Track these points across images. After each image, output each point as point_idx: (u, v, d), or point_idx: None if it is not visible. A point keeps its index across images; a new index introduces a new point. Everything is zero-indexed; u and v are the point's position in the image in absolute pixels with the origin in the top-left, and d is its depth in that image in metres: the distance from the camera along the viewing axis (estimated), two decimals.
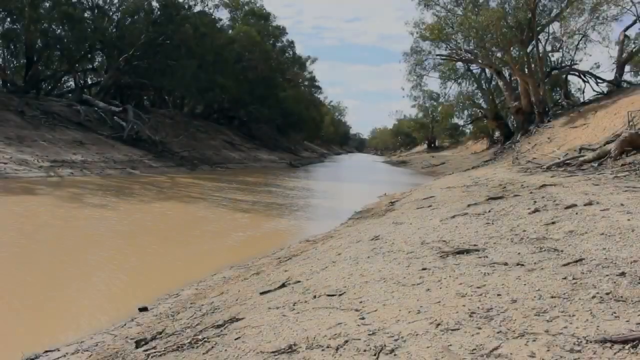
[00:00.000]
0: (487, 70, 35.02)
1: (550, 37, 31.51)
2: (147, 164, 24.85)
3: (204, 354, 3.77)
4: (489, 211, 7.61)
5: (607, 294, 3.30)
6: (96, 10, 31.92)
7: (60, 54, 31.00)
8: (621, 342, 2.56)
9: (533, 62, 27.77)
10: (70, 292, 6.36)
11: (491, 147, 42.30)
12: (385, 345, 3.03)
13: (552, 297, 3.40)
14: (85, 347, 4.54)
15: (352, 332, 3.37)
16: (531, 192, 9.08)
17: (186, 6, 35.55)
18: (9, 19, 28.89)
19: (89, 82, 38.57)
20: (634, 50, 31.31)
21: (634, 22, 29.05)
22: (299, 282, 5.43)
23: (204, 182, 22.12)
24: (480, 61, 30.48)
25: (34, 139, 21.20)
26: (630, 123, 14.65)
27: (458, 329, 3.09)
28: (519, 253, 4.75)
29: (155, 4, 33.45)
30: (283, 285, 5.44)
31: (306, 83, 67.79)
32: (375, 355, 2.95)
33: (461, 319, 3.25)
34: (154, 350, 4.04)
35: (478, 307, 3.41)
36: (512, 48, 27.35)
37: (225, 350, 3.71)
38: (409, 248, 5.86)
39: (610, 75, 30.11)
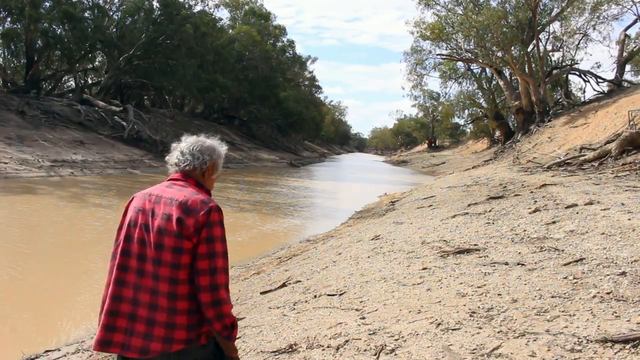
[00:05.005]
0: (487, 69, 35.01)
1: (551, 36, 31.53)
2: (147, 163, 24.85)
3: None
4: (490, 211, 7.60)
5: (608, 293, 3.29)
6: (97, 10, 31.91)
7: (60, 53, 31.01)
8: (622, 342, 2.56)
9: (534, 61, 27.74)
10: (71, 291, 6.36)
11: (492, 147, 42.30)
12: (385, 345, 3.03)
13: (552, 296, 3.40)
14: (86, 347, 4.54)
15: (352, 331, 3.37)
16: (532, 192, 9.08)
17: (186, 6, 35.56)
18: (9, 19, 28.91)
19: (90, 81, 38.60)
20: (634, 49, 31.29)
21: (635, 22, 29.02)
22: (299, 281, 5.43)
23: None
24: (480, 61, 30.45)
25: (34, 138, 21.22)
26: (631, 122, 14.61)
27: (459, 329, 3.09)
28: (519, 253, 4.75)
29: (155, 3, 33.49)
30: (283, 285, 5.44)
31: (306, 83, 67.81)
32: (375, 355, 2.95)
33: (462, 318, 3.25)
34: None
35: (479, 307, 3.41)
36: (512, 47, 27.32)
37: None
38: (409, 248, 5.86)
39: (610, 75, 30.10)
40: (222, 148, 2.05)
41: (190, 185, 1.92)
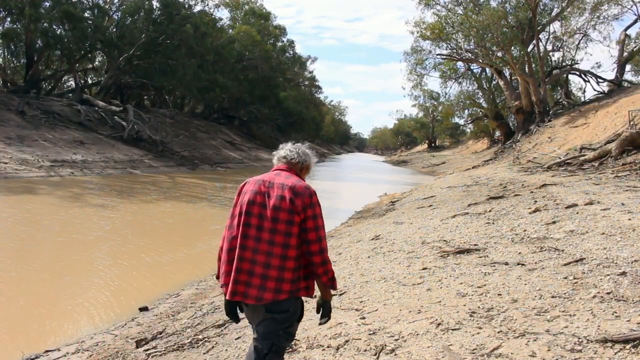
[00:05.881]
0: (487, 69, 34.98)
1: (551, 36, 31.50)
2: (147, 163, 24.85)
3: (204, 353, 3.77)
4: (490, 211, 7.60)
5: (608, 293, 3.29)
6: (97, 10, 31.88)
7: (60, 53, 30.99)
8: (622, 342, 2.56)
9: (534, 61, 27.73)
10: (71, 291, 6.36)
11: (492, 147, 42.29)
12: (385, 345, 3.03)
13: (552, 296, 3.40)
14: (86, 347, 4.54)
15: (352, 331, 3.37)
16: (532, 192, 9.08)
17: (186, 6, 35.52)
18: (9, 19, 28.88)
19: (90, 81, 38.57)
20: (634, 49, 31.28)
21: (635, 22, 29.01)
22: None
23: (205, 181, 22.12)
24: (480, 60, 30.43)
25: (34, 138, 21.21)
26: (631, 122, 14.61)
27: (459, 329, 3.09)
28: (519, 253, 4.75)
29: (155, 3, 33.43)
30: None
31: (306, 83, 67.75)
32: (375, 355, 2.95)
33: (462, 318, 3.25)
34: (154, 350, 4.04)
35: (479, 307, 3.41)
36: (512, 47, 27.30)
37: (226, 350, 3.71)
38: (409, 248, 5.86)
39: (611, 75, 30.10)
40: (315, 158, 2.66)
41: (294, 175, 2.48)
